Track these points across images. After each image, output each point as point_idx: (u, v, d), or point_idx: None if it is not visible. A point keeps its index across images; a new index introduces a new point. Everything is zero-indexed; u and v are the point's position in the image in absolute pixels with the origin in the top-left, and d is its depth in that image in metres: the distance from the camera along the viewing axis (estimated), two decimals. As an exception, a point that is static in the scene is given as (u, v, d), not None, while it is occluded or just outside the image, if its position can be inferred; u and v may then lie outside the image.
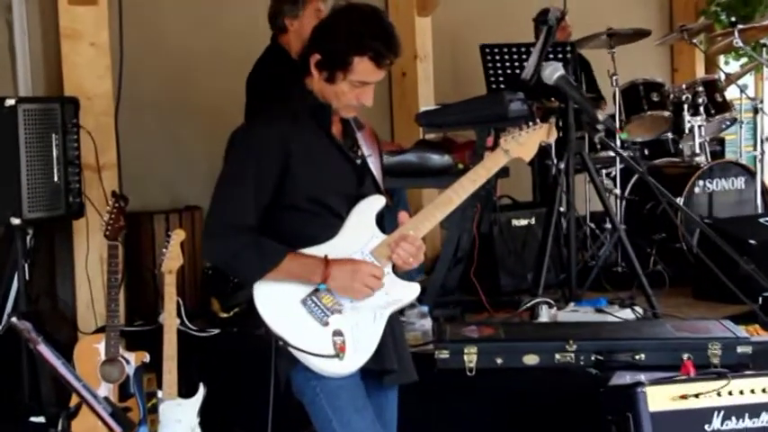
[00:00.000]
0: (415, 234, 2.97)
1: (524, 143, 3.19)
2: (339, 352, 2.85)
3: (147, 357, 4.43)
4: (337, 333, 2.87)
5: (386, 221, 3.07)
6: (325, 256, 2.90)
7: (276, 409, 2.95)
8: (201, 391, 4.33)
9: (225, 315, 5.00)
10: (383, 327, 2.95)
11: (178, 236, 4.39)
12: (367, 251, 2.96)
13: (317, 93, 3.00)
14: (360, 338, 2.91)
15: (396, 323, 3.08)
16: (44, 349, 2.34)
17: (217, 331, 4.95)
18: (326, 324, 2.88)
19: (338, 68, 2.94)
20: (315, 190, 2.95)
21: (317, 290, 2.90)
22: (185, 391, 4.33)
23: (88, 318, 5.03)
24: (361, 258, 2.95)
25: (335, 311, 2.90)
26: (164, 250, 4.36)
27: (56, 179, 4.66)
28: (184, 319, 4.85)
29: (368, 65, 2.93)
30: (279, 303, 2.89)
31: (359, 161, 3.07)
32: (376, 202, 3.03)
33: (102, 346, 4.36)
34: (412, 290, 3.01)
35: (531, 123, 3.23)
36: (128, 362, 4.37)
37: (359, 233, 2.99)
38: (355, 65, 2.92)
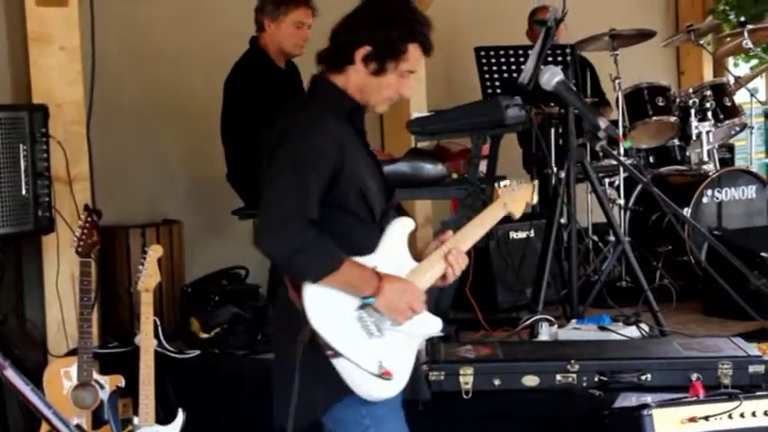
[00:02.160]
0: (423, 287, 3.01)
1: (517, 198, 3.27)
2: (384, 375, 2.87)
3: (122, 381, 4.43)
4: (381, 354, 2.89)
5: None
6: (375, 269, 2.91)
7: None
8: (180, 416, 4.32)
9: (205, 335, 4.99)
10: (415, 355, 3.01)
11: (155, 251, 4.39)
12: (402, 276, 2.99)
13: (351, 90, 3.00)
14: (398, 363, 2.94)
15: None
16: (11, 374, 2.32)
17: (196, 353, 4.94)
18: (372, 343, 2.90)
19: (392, 58, 2.96)
20: (363, 191, 2.96)
21: (364, 304, 2.89)
22: (163, 417, 4.33)
23: (59, 339, 5.01)
24: None
25: (380, 330, 2.91)
26: (140, 267, 4.36)
27: (24, 192, 4.65)
28: (162, 339, 4.83)
29: (418, 51, 3.00)
30: (330, 312, 2.87)
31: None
32: (408, 226, 3.04)
33: (73, 370, 4.36)
34: (437, 322, 3.05)
35: (520, 181, 3.34)
36: (101, 386, 4.36)
37: (394, 255, 3.00)
38: (410, 53, 2.97)
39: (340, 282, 2.85)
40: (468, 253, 5.11)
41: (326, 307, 2.86)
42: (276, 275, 5.50)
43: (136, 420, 4.24)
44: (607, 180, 6.25)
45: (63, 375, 4.40)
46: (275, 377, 3.06)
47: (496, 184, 3.31)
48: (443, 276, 3.06)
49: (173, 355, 4.88)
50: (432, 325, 3.04)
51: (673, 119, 6.30)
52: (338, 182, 2.90)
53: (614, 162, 5.98)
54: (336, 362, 2.87)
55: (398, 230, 3.02)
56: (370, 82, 2.98)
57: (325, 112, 2.95)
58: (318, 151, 2.87)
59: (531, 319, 4.73)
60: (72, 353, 4.71)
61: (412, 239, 3.12)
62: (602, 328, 4.59)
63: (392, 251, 3.00)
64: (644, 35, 6.63)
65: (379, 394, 2.93)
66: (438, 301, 5.05)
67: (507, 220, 5.72)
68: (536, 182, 3.38)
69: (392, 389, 2.94)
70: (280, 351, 3.08)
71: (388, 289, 2.89)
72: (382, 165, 5.02)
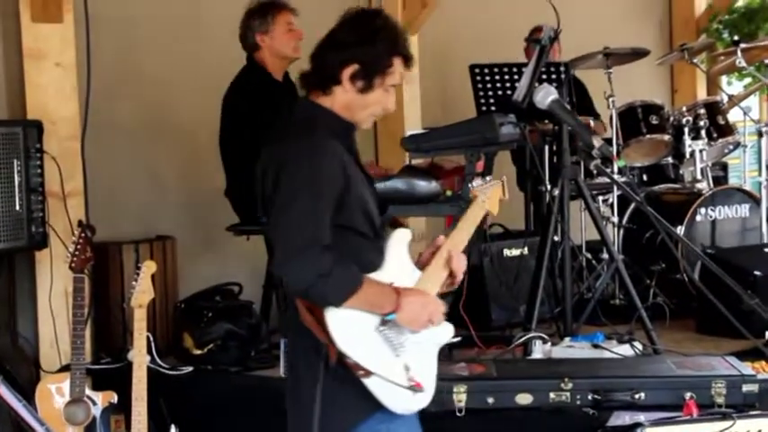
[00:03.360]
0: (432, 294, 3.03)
1: (491, 197, 3.29)
2: (416, 387, 2.89)
3: (114, 398, 4.41)
4: (407, 368, 2.91)
5: None
6: (392, 284, 2.92)
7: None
8: (173, 433, 4.31)
9: (198, 352, 4.98)
10: (435, 366, 3.02)
11: (149, 267, 4.39)
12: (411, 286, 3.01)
13: (338, 109, 3.00)
14: (424, 374, 2.96)
15: None
16: (3, 390, 2.32)
17: (189, 369, 4.93)
18: (398, 357, 2.90)
19: (379, 74, 2.97)
20: (366, 210, 2.97)
21: (384, 320, 2.89)
22: (156, 434, 4.31)
23: (51, 355, 5.00)
24: None
25: (402, 343, 2.92)
26: (133, 283, 4.35)
27: (17, 208, 4.65)
28: (155, 356, 4.82)
29: (402, 65, 3.01)
30: (355, 332, 2.86)
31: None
32: (406, 236, 3.06)
33: (66, 386, 4.35)
34: (449, 328, 3.06)
35: (489, 178, 3.36)
36: (94, 402, 4.34)
37: (401, 268, 3.01)
38: (395, 67, 2.99)
39: (362, 302, 2.85)
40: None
41: (351, 328, 2.85)
42: (269, 294, 5.56)
43: (128, 437, 4.24)
44: (601, 198, 6.26)
45: (55, 391, 4.38)
46: (292, 404, 3.04)
47: (470, 185, 3.35)
48: (452, 281, 3.08)
49: (166, 371, 4.87)
50: (446, 331, 3.05)
51: (666, 137, 6.31)
52: (345, 203, 2.90)
53: (608, 180, 6.00)
54: (370, 381, 2.86)
55: (399, 243, 3.04)
56: (356, 100, 2.99)
57: (326, 136, 2.94)
58: (327, 176, 2.87)
59: (525, 337, 4.73)
60: (65, 369, 4.70)
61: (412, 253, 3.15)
62: (596, 346, 4.59)
63: (398, 264, 3.01)
64: (638, 54, 6.65)
65: (412, 407, 2.95)
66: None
67: (501, 237, 5.81)
68: (504, 178, 3.38)
69: (423, 400, 2.96)
70: (297, 377, 3.03)
71: (408, 302, 2.90)
72: (377, 180, 5.09)
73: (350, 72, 2.96)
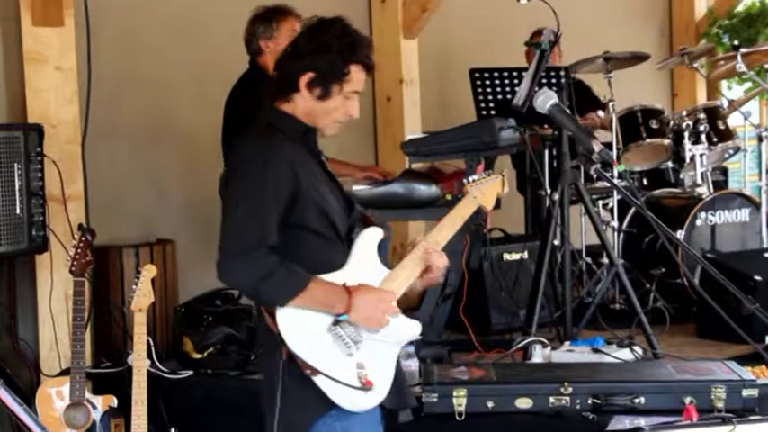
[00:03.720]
0: (397, 292, 3.05)
1: (486, 192, 3.32)
2: (365, 385, 2.92)
3: (114, 401, 4.42)
4: (360, 366, 2.94)
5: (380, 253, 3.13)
6: (345, 284, 2.96)
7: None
8: (173, 437, 4.31)
9: (198, 356, 4.99)
10: (395, 363, 3.06)
11: (149, 271, 4.40)
12: (376, 285, 3.04)
13: (299, 116, 3.07)
14: (378, 372, 2.99)
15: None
16: (3, 393, 2.32)
17: (189, 373, 4.93)
18: (350, 356, 2.94)
19: (336, 81, 3.03)
20: (324, 210, 3.01)
21: (337, 321, 2.94)
22: (155, 438, 4.31)
23: (52, 359, 5.01)
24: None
25: (357, 342, 2.95)
26: (134, 287, 4.36)
27: (18, 211, 4.65)
28: (155, 359, 4.83)
29: (361, 73, 3.06)
30: (305, 332, 2.92)
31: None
32: (376, 235, 3.09)
33: (66, 390, 4.35)
34: (415, 327, 3.09)
35: (489, 172, 3.40)
36: (94, 406, 4.35)
37: (366, 265, 3.05)
38: (353, 74, 3.04)
39: (309, 302, 2.91)
40: (462, 275, 5.17)
41: (300, 327, 2.91)
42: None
43: (128, 441, 4.24)
44: (601, 202, 6.26)
45: (55, 395, 4.39)
46: (264, 402, 3.09)
47: (465, 180, 3.36)
48: (432, 277, 3.11)
49: (165, 375, 4.87)
50: (409, 330, 3.08)
51: (666, 141, 6.31)
52: (297, 204, 2.96)
53: (608, 184, 6.00)
54: (317, 379, 2.91)
55: (366, 241, 3.07)
56: (316, 107, 3.05)
57: (278, 139, 3.01)
58: (274, 178, 2.93)
59: (525, 341, 4.73)
60: (65, 372, 4.70)
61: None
62: (596, 351, 4.59)
63: (362, 263, 3.05)
64: (638, 58, 6.66)
65: (362, 405, 2.98)
66: (432, 321, 5.06)
67: (501, 241, 5.81)
68: (505, 171, 3.42)
69: (374, 398, 2.99)
70: (266, 375, 3.10)
71: (360, 301, 2.94)
72: (377, 184, 5.10)
73: (306, 80, 3.03)
